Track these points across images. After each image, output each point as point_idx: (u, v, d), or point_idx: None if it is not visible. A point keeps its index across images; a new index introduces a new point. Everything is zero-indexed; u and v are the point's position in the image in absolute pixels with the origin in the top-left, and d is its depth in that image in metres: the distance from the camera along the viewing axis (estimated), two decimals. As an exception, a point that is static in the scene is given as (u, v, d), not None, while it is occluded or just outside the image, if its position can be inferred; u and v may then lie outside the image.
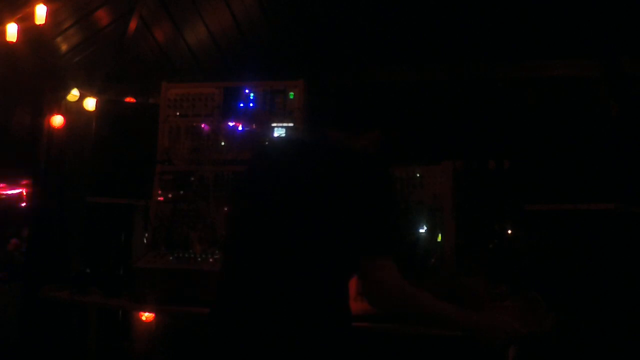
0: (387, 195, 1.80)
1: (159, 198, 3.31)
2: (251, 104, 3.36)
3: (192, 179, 3.28)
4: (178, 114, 3.42)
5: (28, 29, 4.77)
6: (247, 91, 3.37)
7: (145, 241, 3.33)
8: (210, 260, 3.03)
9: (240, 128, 3.33)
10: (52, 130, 5.65)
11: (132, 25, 5.54)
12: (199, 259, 3.04)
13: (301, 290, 1.71)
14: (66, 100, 5.63)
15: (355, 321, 1.82)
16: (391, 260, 1.72)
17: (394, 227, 1.81)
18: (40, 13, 4.66)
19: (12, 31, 4.68)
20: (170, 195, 3.30)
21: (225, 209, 3.12)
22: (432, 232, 3.01)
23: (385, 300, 1.73)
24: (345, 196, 1.73)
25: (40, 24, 4.70)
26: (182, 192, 3.28)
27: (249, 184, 1.96)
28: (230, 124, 3.34)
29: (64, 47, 5.52)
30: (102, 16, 5.44)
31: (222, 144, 3.33)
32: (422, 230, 3.02)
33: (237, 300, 1.79)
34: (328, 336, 1.71)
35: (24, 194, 9.76)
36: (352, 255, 1.72)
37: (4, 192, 10.10)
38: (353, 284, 1.93)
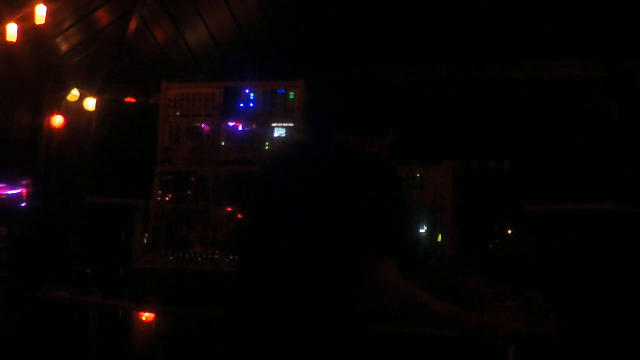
0: (390, 195, 1.80)
1: (158, 198, 3.32)
2: (251, 104, 3.36)
3: (192, 179, 3.28)
4: (178, 114, 3.42)
5: (28, 29, 4.77)
6: (247, 91, 3.37)
7: (145, 241, 3.32)
8: (210, 260, 3.03)
9: (240, 128, 3.33)
10: (52, 130, 5.66)
11: (132, 25, 5.54)
12: (199, 259, 3.04)
13: (303, 289, 1.72)
14: (66, 100, 5.63)
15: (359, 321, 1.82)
16: (392, 259, 1.72)
17: (395, 226, 1.81)
18: (40, 13, 4.66)
19: (12, 31, 4.68)
20: (170, 195, 3.30)
21: (229, 209, 3.13)
22: (432, 232, 3.01)
23: (384, 299, 1.73)
24: (349, 194, 1.74)
25: (40, 24, 4.69)
26: (182, 192, 3.28)
27: (259, 185, 1.98)
28: (230, 124, 3.34)
29: (64, 47, 5.52)
30: (102, 16, 5.44)
31: (222, 144, 3.33)
32: (422, 230, 3.02)
33: (239, 299, 1.79)
34: (330, 335, 1.71)
35: (24, 194, 9.75)
36: (355, 253, 1.72)
37: (4, 192, 10.09)
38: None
